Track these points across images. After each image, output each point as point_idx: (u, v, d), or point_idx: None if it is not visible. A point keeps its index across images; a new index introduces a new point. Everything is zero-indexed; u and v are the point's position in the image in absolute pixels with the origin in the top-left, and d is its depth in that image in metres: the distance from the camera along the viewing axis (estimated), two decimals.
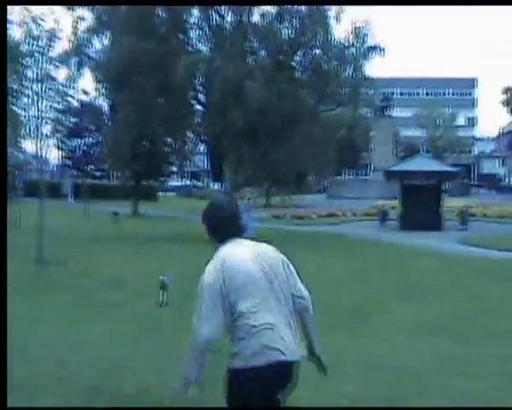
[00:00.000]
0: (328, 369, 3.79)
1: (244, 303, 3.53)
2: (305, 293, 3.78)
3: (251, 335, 3.48)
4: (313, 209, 42.23)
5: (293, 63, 28.95)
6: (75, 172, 63.02)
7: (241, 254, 3.69)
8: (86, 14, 26.79)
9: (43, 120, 22.60)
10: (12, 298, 10.80)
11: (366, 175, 79.48)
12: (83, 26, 26.79)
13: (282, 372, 3.51)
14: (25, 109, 22.98)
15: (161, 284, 10.75)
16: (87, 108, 53.45)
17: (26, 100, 23.86)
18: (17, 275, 13.68)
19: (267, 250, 3.79)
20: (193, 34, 28.20)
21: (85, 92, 31.92)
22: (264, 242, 3.82)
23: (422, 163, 33.62)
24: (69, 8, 26.21)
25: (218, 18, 26.99)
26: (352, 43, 27.78)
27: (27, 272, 13.84)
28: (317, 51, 27.97)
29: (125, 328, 8.95)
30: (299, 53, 28.50)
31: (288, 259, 3.75)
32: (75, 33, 26.43)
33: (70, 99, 26.05)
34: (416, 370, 7.29)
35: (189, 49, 27.65)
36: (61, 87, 22.62)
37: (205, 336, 3.53)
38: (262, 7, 26.79)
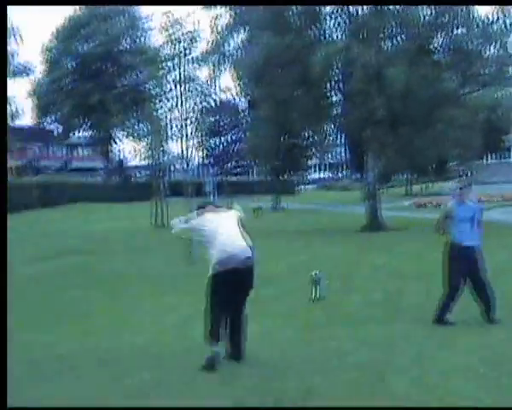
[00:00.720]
0: None
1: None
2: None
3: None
4: None
5: (433, 46, 27.83)
6: (215, 170, 64.49)
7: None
8: (222, 11, 27.16)
9: (186, 121, 23.26)
10: (165, 297, 10.97)
11: (510, 158, 75.82)
12: (220, 24, 27.25)
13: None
14: (169, 110, 23.73)
15: (313, 279, 10.52)
16: (225, 106, 54.46)
17: (168, 103, 24.64)
18: (165, 274, 13.97)
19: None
20: (328, 25, 27.82)
21: (227, 89, 32.26)
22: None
23: None
24: (206, 7, 26.69)
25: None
26: (497, 19, 26.24)
27: (175, 272, 14.12)
28: (459, 31, 26.69)
29: (281, 326, 8.78)
30: (439, 35, 27.34)
31: None
32: (213, 32, 26.87)
33: (210, 98, 26.46)
34: None
35: (325, 40, 27.31)
36: (202, 87, 23.12)
37: None
38: None
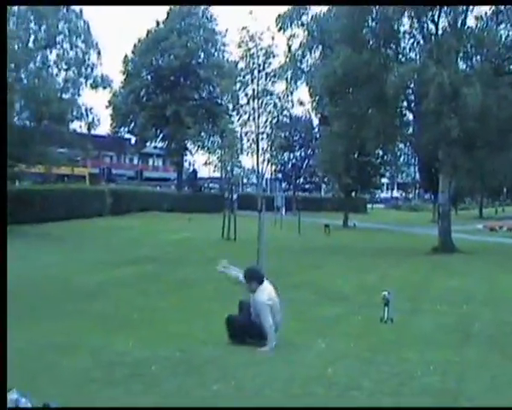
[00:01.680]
0: None
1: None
2: None
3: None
4: None
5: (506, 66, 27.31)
6: (285, 185, 64.71)
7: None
8: (299, 31, 27.47)
9: (260, 136, 23.48)
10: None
11: None
12: (296, 41, 27.54)
13: None
14: (244, 124, 23.99)
15: (385, 299, 10.46)
16: (298, 123, 54.70)
17: (243, 117, 24.94)
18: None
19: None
20: (405, 43, 27.72)
21: (301, 104, 32.28)
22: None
23: None
24: (281, 29, 27.04)
25: (430, 24, 26.30)
26: None
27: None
28: None
29: (350, 345, 8.78)
30: None
31: None
32: (289, 48, 27.15)
33: (284, 114, 26.60)
34: None
35: (402, 58, 27.21)
36: (277, 101, 23.32)
37: None
38: (476, 8, 25.61)
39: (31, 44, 30.35)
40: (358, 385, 6.82)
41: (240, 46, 23.69)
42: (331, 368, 7.48)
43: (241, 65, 24.75)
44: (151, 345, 8.64)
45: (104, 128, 61.74)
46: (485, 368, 7.54)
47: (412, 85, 26.96)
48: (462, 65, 27.09)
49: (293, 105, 26.58)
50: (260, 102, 22.87)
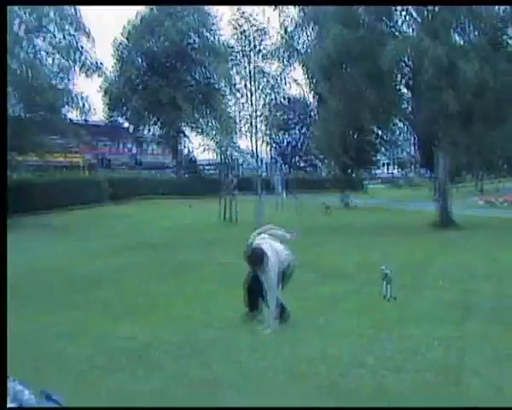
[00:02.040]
0: None
1: None
2: None
3: None
4: None
5: (508, 40, 27.15)
6: (283, 166, 64.60)
7: None
8: (292, 11, 27.26)
9: (256, 117, 23.42)
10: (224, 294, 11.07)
11: None
12: (289, 21, 27.30)
13: None
14: (239, 106, 23.90)
15: (385, 276, 10.46)
16: (294, 103, 54.48)
17: (238, 99, 24.82)
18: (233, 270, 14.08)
19: None
20: (399, 18, 27.52)
21: (297, 83, 32.12)
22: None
23: None
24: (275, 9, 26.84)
25: None
26: None
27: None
28: None
29: (353, 322, 8.79)
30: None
31: None
32: (282, 28, 26.95)
33: (280, 94, 26.48)
34: None
35: (397, 34, 27.03)
36: (272, 82, 23.19)
37: None
38: None
39: (21, 33, 30.05)
40: (362, 363, 6.84)
41: (233, 26, 23.54)
42: (334, 347, 7.50)
43: (234, 44, 24.61)
44: (154, 330, 8.65)
45: (99, 116, 61.56)
46: (487, 341, 7.55)
47: (408, 61, 26.82)
48: (458, 40, 26.91)
49: (290, 86, 26.48)
50: (255, 82, 22.75)
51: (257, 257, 8.35)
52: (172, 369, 6.85)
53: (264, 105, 23.17)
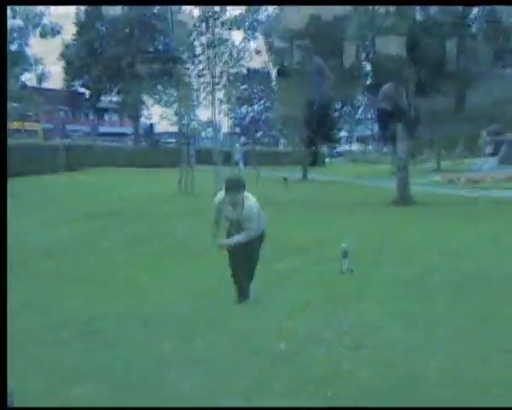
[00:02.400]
0: None
1: None
2: None
3: None
4: (487, 173, 39.81)
5: (470, 18, 27.26)
6: (244, 139, 64.28)
7: None
8: None
9: (216, 87, 22.99)
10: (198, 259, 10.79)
11: None
12: None
13: None
14: (199, 75, 23.43)
15: (343, 251, 10.30)
16: (255, 75, 54.01)
17: (198, 67, 24.35)
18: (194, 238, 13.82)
19: None
20: None
21: (258, 52, 31.81)
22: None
23: None
24: None
25: None
26: None
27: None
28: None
29: (310, 297, 8.61)
30: (476, 8, 26.76)
31: None
32: None
33: (241, 64, 26.10)
34: None
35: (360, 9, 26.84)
36: (233, 51, 22.79)
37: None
38: None
39: None
40: (319, 338, 6.64)
41: None
42: (290, 321, 7.31)
43: (197, 13, 24.12)
44: (106, 302, 8.37)
45: (57, 83, 60.31)
46: (448, 318, 7.43)
47: (371, 36, 26.68)
48: (421, 17, 26.86)
49: (252, 57, 26.12)
50: (215, 51, 22.29)
51: (240, 183, 7.84)
52: (121, 342, 6.58)
53: (221, 73, 22.72)
